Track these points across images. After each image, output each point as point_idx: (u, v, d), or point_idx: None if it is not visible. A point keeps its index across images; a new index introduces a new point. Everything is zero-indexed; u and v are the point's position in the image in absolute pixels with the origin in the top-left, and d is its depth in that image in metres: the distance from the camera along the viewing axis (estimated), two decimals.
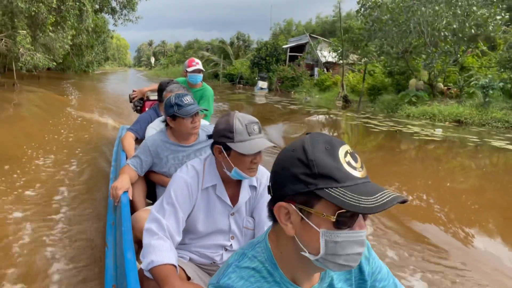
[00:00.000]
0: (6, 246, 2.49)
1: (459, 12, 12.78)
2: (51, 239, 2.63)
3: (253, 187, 1.51)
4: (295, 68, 26.16)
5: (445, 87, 14.18)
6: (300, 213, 0.66)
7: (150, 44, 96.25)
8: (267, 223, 1.15)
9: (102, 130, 6.98)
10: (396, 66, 15.84)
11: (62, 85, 17.86)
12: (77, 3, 13.04)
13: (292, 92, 24.05)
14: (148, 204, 2.16)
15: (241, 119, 1.37)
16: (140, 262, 1.41)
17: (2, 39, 13.00)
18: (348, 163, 0.65)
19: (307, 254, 0.67)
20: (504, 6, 14.07)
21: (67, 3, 12.38)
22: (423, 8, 12.96)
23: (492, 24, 12.89)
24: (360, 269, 0.86)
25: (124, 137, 2.86)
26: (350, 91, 18.71)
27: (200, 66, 3.36)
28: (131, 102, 4.07)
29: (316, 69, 27.04)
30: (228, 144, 1.35)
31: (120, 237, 1.67)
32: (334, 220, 0.63)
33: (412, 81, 14.59)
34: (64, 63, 22.75)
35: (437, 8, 12.76)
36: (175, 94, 2.08)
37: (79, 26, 13.97)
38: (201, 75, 3.38)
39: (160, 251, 1.25)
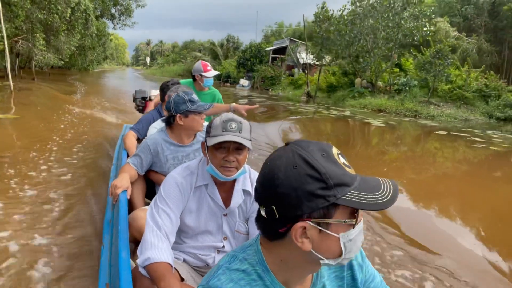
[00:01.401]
0: (0, 242, 2.47)
1: (391, 25, 16.03)
2: (47, 237, 2.62)
3: (246, 192, 1.50)
4: (274, 69, 29.36)
5: (383, 85, 17.43)
6: (319, 227, 0.66)
7: (148, 43, 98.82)
8: None
9: (103, 104, 10.12)
10: (349, 68, 19.08)
11: (68, 80, 21.04)
12: (84, 14, 16.16)
13: (270, 90, 27.23)
14: (146, 204, 2.15)
15: (223, 116, 1.38)
16: (135, 261, 1.42)
17: (19, 41, 16.15)
18: (344, 164, 0.67)
19: (326, 261, 0.68)
20: (458, 18, 17.04)
21: (76, 14, 15.50)
22: (362, 22, 16.23)
23: (417, 35, 16.14)
24: (353, 276, 0.85)
25: (126, 136, 2.90)
26: (318, 88, 21.93)
27: (213, 70, 3.35)
28: (133, 101, 4.17)
29: (296, 70, 30.29)
30: (206, 138, 1.39)
31: (116, 235, 1.67)
32: (354, 222, 0.66)
33: (357, 80, 17.84)
34: (70, 62, 25.85)
35: (372, 21, 16.00)
36: (184, 92, 2.06)
37: (85, 32, 17.08)
38: (213, 79, 3.36)
39: (158, 248, 1.26)
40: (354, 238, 0.67)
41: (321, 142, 0.70)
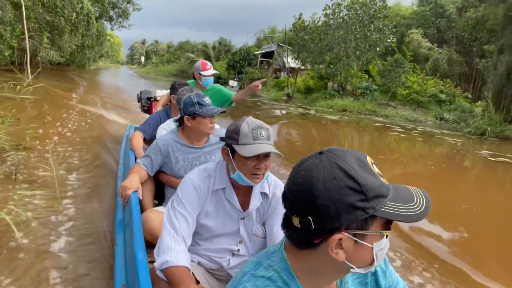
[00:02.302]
0: (11, 243, 2.44)
1: (358, 36, 18.24)
2: (57, 236, 2.61)
3: (264, 194, 1.50)
4: (261, 71, 31.53)
5: (351, 88, 19.65)
6: (355, 238, 0.66)
7: (143, 42, 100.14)
8: (279, 236, 1.22)
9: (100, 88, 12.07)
10: (324, 73, 21.27)
11: (68, 74, 22.89)
12: (86, 17, 18.09)
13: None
14: (155, 205, 2.17)
15: (250, 123, 1.38)
16: (149, 262, 1.43)
17: (24, 39, 17.99)
18: (379, 174, 0.67)
19: (357, 270, 0.69)
20: (433, 30, 19.02)
21: (79, 17, 17.42)
22: (333, 32, 18.46)
23: (381, 45, 18.38)
24: (377, 282, 0.86)
25: (132, 136, 2.90)
26: (297, 90, 24.07)
27: (213, 69, 3.31)
28: (139, 101, 4.15)
29: (282, 73, 32.50)
30: (233, 145, 1.36)
31: (130, 236, 1.67)
32: (389, 233, 0.66)
33: (330, 84, 20.05)
34: (69, 59, 27.66)
35: (342, 32, 18.21)
36: (195, 94, 2.07)
37: (86, 33, 19.00)
38: (212, 78, 3.33)
39: (176, 252, 1.26)
40: (384, 248, 0.69)
41: (356, 151, 0.70)
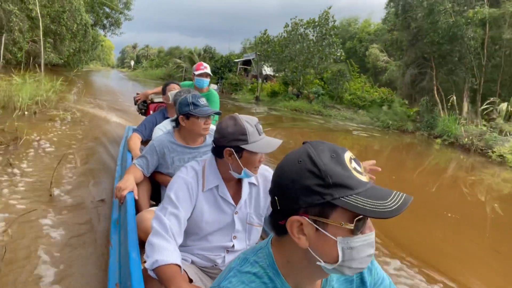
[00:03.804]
0: (7, 244, 2.42)
1: (311, 50, 22.06)
2: (52, 236, 2.60)
3: (252, 184, 1.55)
4: (239, 77, 35.23)
5: (308, 93, 23.43)
6: (315, 225, 0.66)
7: (134, 47, 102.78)
8: None
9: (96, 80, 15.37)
10: (287, 79, 25.02)
11: (67, 73, 26.10)
12: (84, 27, 21.45)
13: (232, 94, 33.06)
14: (152, 205, 2.18)
15: (249, 121, 1.43)
16: (142, 262, 1.43)
17: (29, 43, 21.27)
18: (355, 169, 0.67)
19: (323, 264, 0.68)
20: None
21: (78, 27, 20.74)
22: (292, 46, 22.27)
23: (331, 59, 22.22)
24: (362, 279, 0.86)
25: (130, 137, 2.96)
26: (265, 94, 27.74)
27: (208, 70, 3.32)
28: (135, 104, 4.27)
29: (259, 79, 36.31)
30: (242, 146, 1.40)
31: (124, 236, 1.69)
32: (352, 227, 0.64)
33: (290, 89, 23.80)
34: (66, 61, 30.94)
35: (298, 46, 22.02)
36: (191, 94, 2.09)
37: (84, 39, 22.33)
38: (208, 79, 3.34)
39: (165, 250, 1.27)
40: (358, 248, 0.66)
41: (337, 145, 0.71)
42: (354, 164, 0.68)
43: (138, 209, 2.00)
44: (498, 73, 14.06)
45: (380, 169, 1.47)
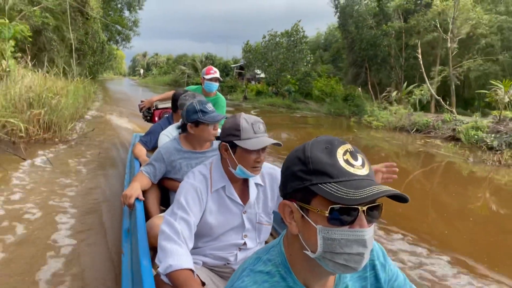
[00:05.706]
0: (19, 253, 2.49)
1: (285, 56, 26.91)
2: (65, 244, 2.68)
3: (258, 185, 1.57)
4: (233, 81, 40.37)
5: (282, 91, 28.28)
6: (301, 211, 0.69)
7: (144, 55, 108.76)
8: None
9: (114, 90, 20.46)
10: (269, 80, 29.98)
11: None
12: (101, 44, 26.88)
13: (228, 95, 38.28)
14: (162, 211, 2.18)
15: (247, 119, 1.47)
16: (155, 268, 1.43)
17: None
18: (346, 161, 0.67)
19: (308, 253, 0.69)
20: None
21: (97, 45, 26.16)
22: (270, 53, 27.29)
23: (301, 63, 27.02)
24: (376, 276, 0.86)
25: (134, 147, 3.06)
26: (252, 93, 32.72)
27: (217, 75, 3.33)
28: (140, 111, 4.28)
29: (253, 82, 41.40)
30: (235, 141, 1.43)
31: (135, 244, 1.69)
32: (327, 215, 0.64)
33: (270, 88, 28.70)
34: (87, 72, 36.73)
35: (274, 53, 26.95)
36: (198, 101, 2.09)
37: (101, 54, 27.81)
38: (217, 84, 3.35)
39: (178, 255, 1.28)
40: (341, 242, 0.65)
41: (337, 138, 0.71)
42: (347, 156, 0.68)
43: (148, 216, 2.04)
44: (414, 70, 18.78)
45: (397, 169, 1.38)
